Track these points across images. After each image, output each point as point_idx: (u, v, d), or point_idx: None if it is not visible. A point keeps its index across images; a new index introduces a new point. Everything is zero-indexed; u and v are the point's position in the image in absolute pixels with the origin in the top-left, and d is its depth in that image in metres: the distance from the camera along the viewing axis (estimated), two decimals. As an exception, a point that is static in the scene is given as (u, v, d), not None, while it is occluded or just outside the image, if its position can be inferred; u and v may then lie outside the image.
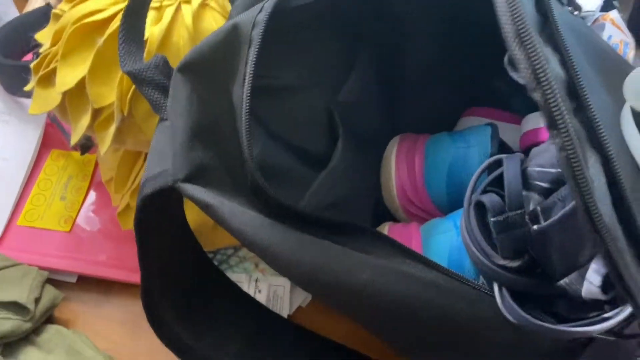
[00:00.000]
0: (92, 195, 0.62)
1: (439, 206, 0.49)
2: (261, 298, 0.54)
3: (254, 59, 0.32)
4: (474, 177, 0.40)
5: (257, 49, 0.32)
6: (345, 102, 0.47)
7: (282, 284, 0.55)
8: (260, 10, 0.33)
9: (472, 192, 0.40)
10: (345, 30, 0.46)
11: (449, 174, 0.47)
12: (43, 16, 0.65)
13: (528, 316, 0.35)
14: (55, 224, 0.59)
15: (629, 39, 0.43)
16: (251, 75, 0.32)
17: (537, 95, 0.24)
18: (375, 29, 0.47)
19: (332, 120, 0.46)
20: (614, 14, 0.44)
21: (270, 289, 0.55)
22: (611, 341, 0.36)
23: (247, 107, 0.32)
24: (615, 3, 0.47)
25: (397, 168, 0.49)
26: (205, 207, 0.34)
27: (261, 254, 0.34)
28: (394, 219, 0.51)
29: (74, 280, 0.57)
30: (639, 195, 0.34)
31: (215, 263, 0.55)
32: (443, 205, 0.49)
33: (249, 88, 0.32)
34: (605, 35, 0.43)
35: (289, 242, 0.34)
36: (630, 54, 0.42)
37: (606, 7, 0.47)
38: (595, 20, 0.45)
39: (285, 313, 0.54)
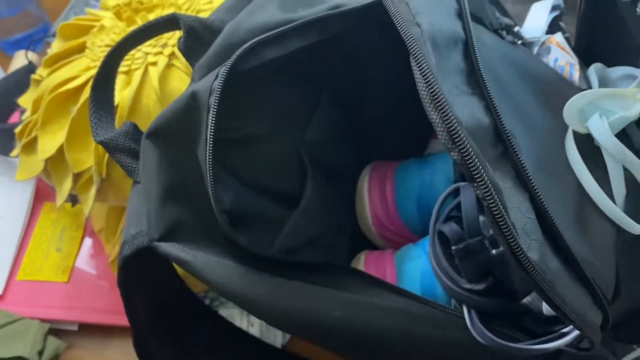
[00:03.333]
0: (87, 243, 0.64)
1: (414, 230, 0.51)
2: (254, 331, 0.56)
3: (212, 124, 0.34)
4: (436, 207, 0.43)
5: (214, 115, 0.34)
6: (313, 141, 0.49)
7: (273, 315, 0.57)
8: (216, 77, 0.35)
9: (436, 221, 0.43)
10: (306, 76, 0.48)
11: (419, 200, 0.50)
12: (27, 74, 0.67)
13: (492, 336, 0.37)
14: (53, 275, 0.62)
15: (574, 59, 0.45)
16: (211, 138, 0.34)
17: (453, 155, 0.26)
18: (335, 70, 0.50)
19: (301, 161, 0.48)
20: (558, 37, 0.47)
21: (262, 322, 0.57)
22: (577, 353, 0.38)
23: (211, 168, 0.34)
24: (561, 24, 0.50)
25: (370, 197, 0.51)
26: (180, 263, 0.36)
27: (236, 301, 0.37)
28: (373, 245, 0.54)
29: (75, 328, 0.60)
30: (583, 215, 0.36)
31: (207, 302, 0.57)
32: (417, 230, 0.51)
33: (211, 150, 0.34)
34: (551, 58, 0.46)
35: (262, 288, 0.36)
36: (575, 75, 0.44)
37: (552, 29, 0.49)
38: (543, 43, 0.47)
39: (278, 343, 0.56)
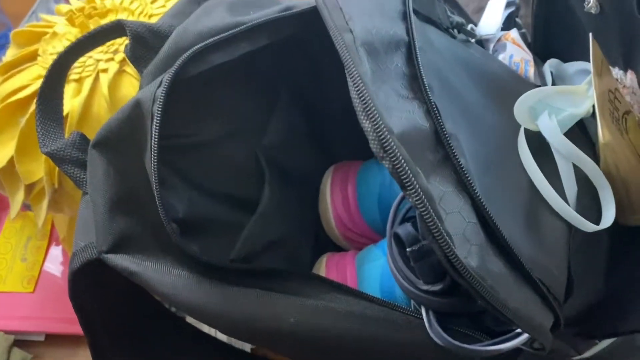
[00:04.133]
0: (53, 252, 0.63)
1: (377, 231, 0.51)
2: (222, 336, 0.56)
3: (157, 133, 0.33)
4: (392, 208, 0.42)
5: (157, 123, 0.33)
6: (272, 144, 0.49)
7: (241, 319, 0.56)
8: (159, 85, 0.35)
9: (393, 222, 0.42)
10: (261, 77, 0.47)
11: (380, 199, 0.49)
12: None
13: (448, 337, 0.37)
14: (18, 285, 0.61)
15: (529, 56, 0.45)
16: (156, 147, 0.34)
17: (385, 164, 0.26)
18: (292, 71, 0.49)
19: (259, 165, 0.48)
20: (513, 33, 0.46)
21: (229, 326, 0.56)
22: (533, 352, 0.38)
23: (156, 177, 0.34)
24: (518, 20, 0.49)
25: (332, 198, 0.51)
26: (130, 275, 0.36)
27: (188, 312, 0.36)
28: (338, 246, 0.53)
29: (42, 338, 0.59)
30: (534, 215, 0.36)
31: (174, 309, 0.57)
32: (380, 230, 0.51)
33: (156, 159, 0.34)
34: (507, 55, 0.45)
35: (215, 297, 0.35)
36: (530, 71, 0.44)
37: (508, 25, 0.49)
38: (499, 40, 0.47)
39: (247, 347, 0.56)
